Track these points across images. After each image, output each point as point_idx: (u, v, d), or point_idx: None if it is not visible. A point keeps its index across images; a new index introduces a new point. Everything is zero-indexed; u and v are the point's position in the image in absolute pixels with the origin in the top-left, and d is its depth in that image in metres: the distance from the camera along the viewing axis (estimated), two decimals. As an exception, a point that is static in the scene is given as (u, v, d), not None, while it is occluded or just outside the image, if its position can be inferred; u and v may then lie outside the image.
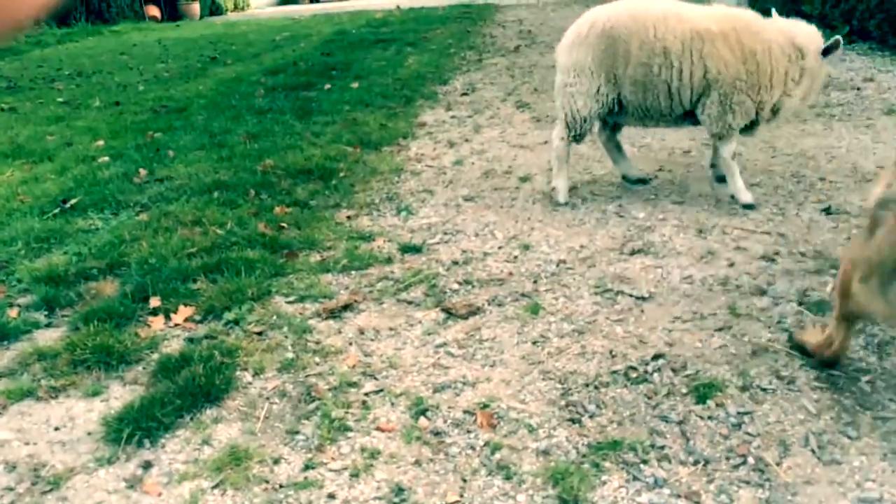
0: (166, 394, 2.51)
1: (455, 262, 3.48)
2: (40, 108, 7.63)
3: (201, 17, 18.81)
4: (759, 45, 3.71)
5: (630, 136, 4.83)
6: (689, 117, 3.95)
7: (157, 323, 3.04)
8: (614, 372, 2.50)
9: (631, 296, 3.01)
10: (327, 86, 7.89)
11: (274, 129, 6.13)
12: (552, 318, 2.90)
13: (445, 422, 2.33)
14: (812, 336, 2.45)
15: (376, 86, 7.75)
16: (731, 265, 3.20)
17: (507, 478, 2.06)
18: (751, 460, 2.04)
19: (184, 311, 3.09)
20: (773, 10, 3.99)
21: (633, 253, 3.42)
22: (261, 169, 4.93)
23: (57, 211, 4.39)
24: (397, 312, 3.05)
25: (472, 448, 2.20)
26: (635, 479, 2.01)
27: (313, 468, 2.17)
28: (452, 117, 6.44)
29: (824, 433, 2.12)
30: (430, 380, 2.56)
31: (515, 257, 3.50)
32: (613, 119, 4.19)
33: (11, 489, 2.17)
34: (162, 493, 2.13)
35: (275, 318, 3.04)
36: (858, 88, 6.05)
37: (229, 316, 3.05)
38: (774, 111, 3.89)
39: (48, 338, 2.98)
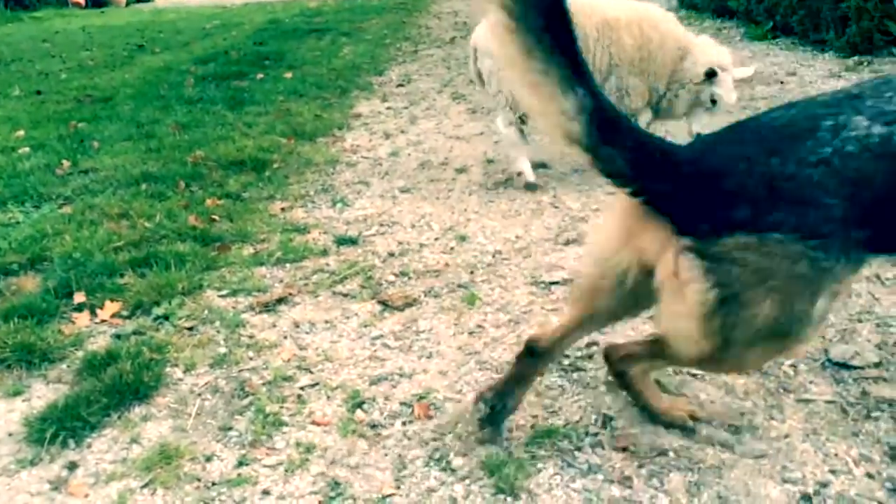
0: (92, 392, 2.42)
1: (391, 254, 3.46)
2: (-46, 97, 7.28)
3: (127, 3, 18.22)
4: (656, 34, 4.08)
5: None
6: None
7: (82, 319, 2.93)
8: (549, 361, 2.52)
9: (566, 286, 3.05)
10: (260, 75, 7.75)
11: (205, 119, 5.98)
12: (488, 309, 2.92)
13: (382, 414, 2.31)
14: None
15: (310, 76, 7.65)
16: (662, 254, 3.26)
17: (444, 469, 2.06)
18: (679, 443, 2.09)
19: (110, 307, 2.99)
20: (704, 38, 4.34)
21: (567, 243, 3.46)
22: (191, 160, 4.81)
23: (-27, 204, 4.20)
24: (333, 305, 3.02)
25: (409, 440, 2.19)
26: (570, 465, 2.04)
27: (247, 464, 2.13)
28: (388, 108, 6.41)
29: (751, 415, 2.19)
30: (367, 372, 2.54)
31: (452, 248, 3.50)
32: None
33: (-75, 496, 2.07)
34: (88, 494, 2.05)
35: (206, 312, 2.97)
36: (782, 82, 6.26)
37: (158, 311, 2.96)
38: (668, 107, 4.26)
39: (-36, 337, 2.84)
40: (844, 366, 2.37)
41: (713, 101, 4.12)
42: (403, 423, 2.26)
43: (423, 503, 1.95)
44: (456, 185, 4.39)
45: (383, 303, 3.00)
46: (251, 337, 2.79)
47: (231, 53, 9.04)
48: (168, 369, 2.59)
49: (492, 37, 1.72)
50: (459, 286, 3.11)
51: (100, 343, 2.79)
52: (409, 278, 3.22)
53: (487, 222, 3.78)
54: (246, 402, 2.41)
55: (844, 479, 1.91)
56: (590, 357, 2.53)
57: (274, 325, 2.87)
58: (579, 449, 2.10)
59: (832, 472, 1.94)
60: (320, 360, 2.63)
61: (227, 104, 6.48)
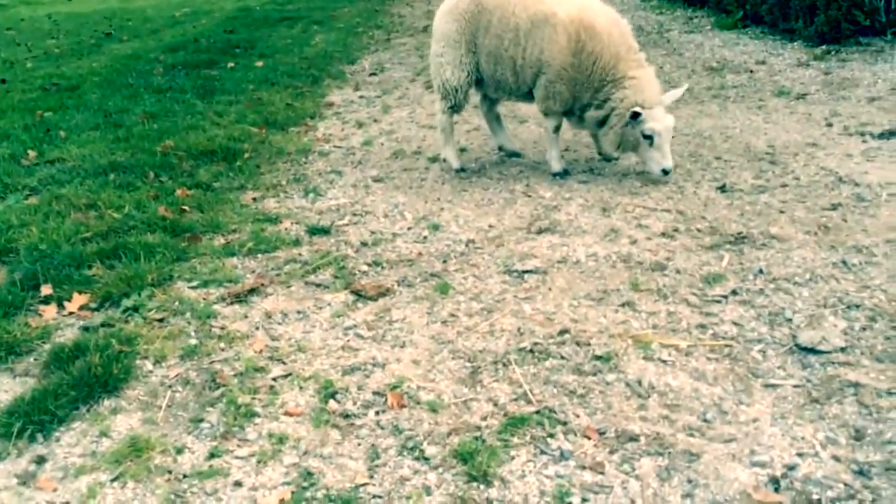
0: (60, 385, 2.39)
1: (364, 244, 3.45)
2: (-85, 86, 7.11)
3: (95, -10, 17.85)
4: (594, 45, 3.82)
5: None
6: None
7: (50, 312, 2.89)
8: (522, 349, 2.53)
9: (538, 274, 3.06)
10: (230, 64, 7.66)
11: (174, 108, 5.90)
12: (461, 298, 2.92)
13: (355, 404, 2.31)
14: None
15: (282, 64, 7.57)
16: (634, 242, 3.29)
17: (417, 458, 2.06)
18: (651, 430, 2.11)
19: (78, 299, 2.95)
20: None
21: (540, 232, 3.47)
22: (160, 150, 4.75)
23: (-65, 195, 4.11)
24: (305, 295, 3.00)
25: (382, 429, 2.19)
26: (542, 452, 2.05)
27: (218, 456, 2.11)
28: (361, 97, 6.37)
29: (720, 401, 2.21)
30: (340, 362, 2.53)
31: (425, 238, 3.49)
32: (483, 90, 4.35)
33: None
34: (57, 488, 2.03)
35: (177, 304, 2.94)
36: (751, 71, 6.31)
37: (128, 303, 2.92)
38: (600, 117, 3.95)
39: (-73, 331, 2.79)
40: (812, 350, 2.41)
41: (649, 137, 3.81)
42: (376, 413, 2.26)
43: (396, 492, 1.95)
44: (429, 174, 4.38)
45: (356, 292, 2.99)
46: (222, 328, 2.76)
47: (201, 41, 8.93)
48: (138, 361, 2.56)
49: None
50: (432, 275, 3.11)
51: (68, 335, 2.75)
52: (382, 268, 3.21)
53: (460, 211, 3.78)
54: (217, 393, 2.39)
55: (811, 462, 1.95)
56: (563, 345, 2.54)
57: (246, 316, 2.85)
58: (552, 436, 2.11)
59: (799, 454, 1.97)
60: (293, 350, 2.61)
61: (197, 93, 6.40)
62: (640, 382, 2.31)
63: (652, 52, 7.43)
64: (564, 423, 2.16)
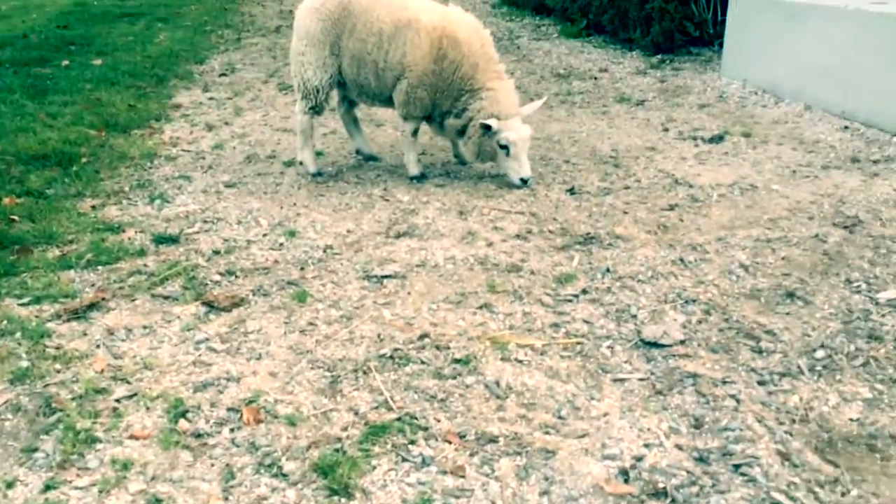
0: None
1: (216, 252, 3.31)
2: None
3: None
4: (455, 53, 3.87)
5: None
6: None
7: None
8: (382, 355, 2.51)
9: (397, 278, 3.05)
10: (65, 62, 7.15)
11: (0, 109, 5.43)
12: (320, 305, 2.86)
13: (208, 422, 2.20)
14: None
15: (123, 63, 7.15)
16: (490, 245, 3.35)
17: (275, 475, 1.99)
18: (509, 430, 2.15)
19: None
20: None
21: (398, 236, 3.46)
22: (-16, 154, 4.35)
23: None
24: (152, 309, 2.84)
25: (238, 447, 2.10)
26: (404, 460, 2.04)
27: (55, 488, 1.95)
28: (210, 99, 6.13)
29: (574, 397, 2.29)
30: (191, 379, 2.41)
31: (281, 244, 3.40)
32: (344, 92, 4.32)
33: None
34: None
35: (5, 322, 2.69)
36: (595, 78, 6.63)
37: (-54, 324, 2.65)
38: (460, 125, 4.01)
39: None
40: (654, 344, 2.54)
41: (505, 147, 3.89)
42: (231, 430, 2.17)
43: (253, 512, 1.88)
44: (284, 178, 4.27)
45: (208, 304, 2.86)
46: (58, 348, 2.56)
47: (31, 37, 8.27)
48: (-41, 389, 2.32)
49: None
50: (289, 283, 3.03)
51: None
52: (236, 277, 3.09)
53: (318, 217, 3.71)
54: (53, 419, 2.21)
55: (657, 452, 2.05)
56: (423, 349, 2.55)
57: (85, 334, 2.65)
58: (413, 442, 2.11)
59: (646, 445, 2.08)
60: (138, 368, 2.46)
61: (27, 93, 5.92)
62: (498, 383, 2.36)
63: (503, 58, 7.63)
64: (425, 429, 2.16)
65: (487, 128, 3.82)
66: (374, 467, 2.01)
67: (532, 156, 4.54)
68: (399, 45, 3.89)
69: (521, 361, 2.48)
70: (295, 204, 3.88)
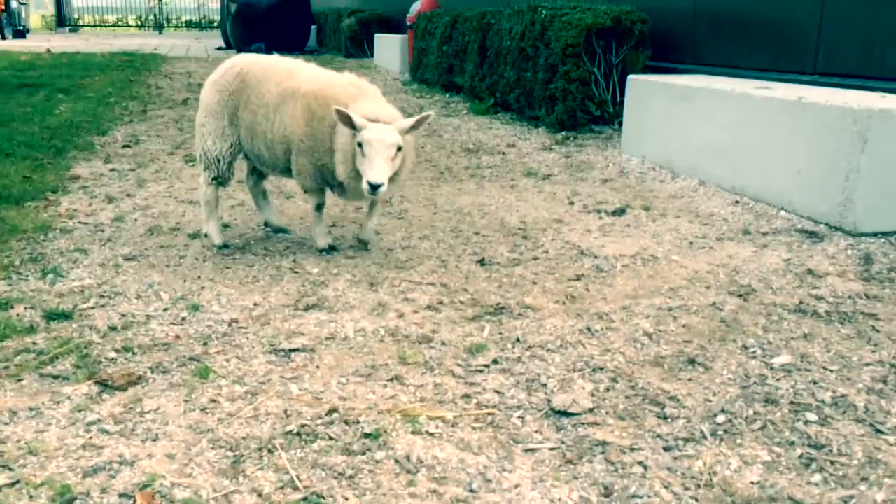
0: None
1: (113, 328, 3.16)
2: None
3: None
4: (324, 111, 3.77)
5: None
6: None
7: None
8: (288, 432, 2.43)
9: (306, 352, 2.98)
10: (-44, 131, 6.84)
11: None
12: (223, 382, 2.75)
13: (98, 510, 2.05)
14: None
15: (19, 134, 6.90)
16: (401, 316, 3.33)
17: (171, 564, 1.86)
18: (421, 506, 2.09)
19: None
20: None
21: (307, 308, 3.40)
22: None
23: None
24: (40, 389, 2.66)
25: (130, 536, 1.96)
26: (310, 542, 1.95)
27: (-81, 592, 1.76)
28: (112, 170, 5.96)
29: (485, 469, 2.26)
30: (80, 463, 2.25)
31: (183, 319, 3.28)
32: (249, 163, 4.32)
33: None
34: None
35: None
36: (503, 153, 6.83)
37: None
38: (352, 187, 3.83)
39: None
40: (564, 413, 2.56)
41: (360, 146, 3.54)
42: (123, 518, 2.02)
43: None
44: (189, 251, 4.15)
45: (102, 383, 2.70)
46: (-69, 434, 2.36)
47: (-81, 105, 7.91)
48: None
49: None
50: (191, 359, 2.91)
51: None
52: (134, 354, 2.95)
53: (223, 290, 3.61)
54: (-79, 514, 2.01)
55: (569, 522, 2.03)
56: (331, 425, 2.47)
57: (-37, 418, 2.45)
58: (320, 523, 2.01)
59: (558, 516, 2.06)
60: (22, 453, 2.28)
61: (-88, 162, 5.61)
62: (408, 458, 2.30)
63: (413, 134, 7.77)
64: (333, 508, 2.08)
65: (352, 124, 3.56)
66: (279, 552, 1.91)
67: (443, 227, 4.60)
68: (283, 116, 3.90)
69: (432, 434, 2.44)
70: (199, 277, 3.77)
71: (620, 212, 4.91)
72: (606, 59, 7.27)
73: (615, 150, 6.75)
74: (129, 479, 2.18)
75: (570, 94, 7.28)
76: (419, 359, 2.94)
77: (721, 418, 2.51)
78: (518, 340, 3.09)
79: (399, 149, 3.61)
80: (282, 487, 2.17)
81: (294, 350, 3.00)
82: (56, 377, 2.74)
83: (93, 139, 7.07)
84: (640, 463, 2.28)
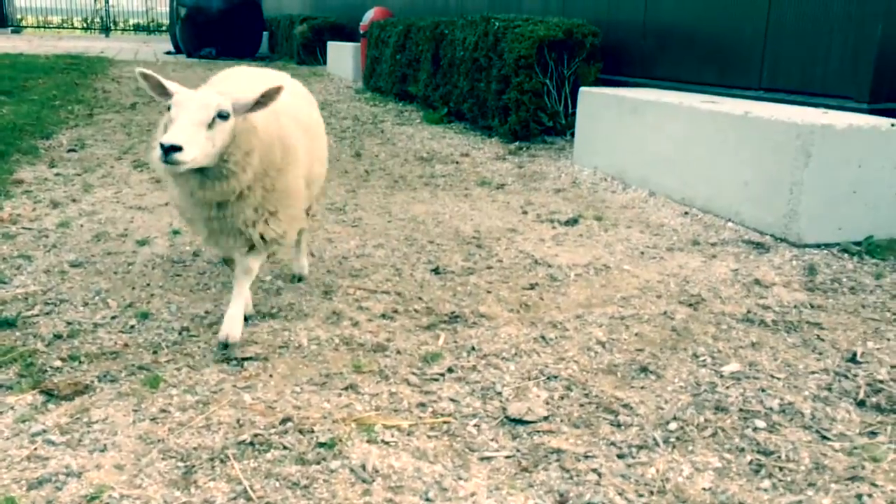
0: None
1: (58, 336, 3.07)
2: None
3: None
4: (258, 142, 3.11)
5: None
6: None
7: None
8: (241, 442, 2.39)
9: (259, 361, 2.94)
10: None
11: None
12: (174, 391, 2.70)
13: (42, 524, 1.99)
14: None
15: (-41, 135, 6.67)
16: (356, 324, 3.31)
17: (120, 578, 1.81)
18: (377, 515, 2.08)
19: None
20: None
21: (261, 317, 3.35)
22: None
23: None
24: (-20, 399, 2.57)
25: (77, 550, 1.90)
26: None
27: None
28: (57, 175, 5.81)
29: (441, 478, 2.26)
30: (24, 475, 2.18)
31: (132, 327, 3.20)
32: None
33: None
34: None
35: None
36: (457, 162, 6.86)
37: None
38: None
39: None
40: (519, 421, 2.57)
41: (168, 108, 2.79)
42: (70, 532, 1.96)
43: None
44: (137, 258, 4.06)
45: (47, 392, 2.62)
46: None
47: None
48: None
49: None
50: (140, 368, 2.84)
51: None
52: (80, 363, 2.87)
53: (174, 297, 3.54)
54: None
55: (525, 529, 2.04)
56: (285, 434, 2.44)
57: None
58: (274, 534, 1.98)
59: (514, 523, 2.06)
60: (-39, 467, 2.20)
61: None
62: (364, 467, 2.29)
63: (367, 141, 7.77)
64: (288, 519, 2.05)
65: (164, 90, 2.84)
66: (232, 564, 1.87)
67: (397, 236, 4.59)
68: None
69: (387, 443, 2.43)
70: (149, 284, 3.69)
71: (573, 222, 4.98)
72: (559, 71, 7.37)
73: (568, 160, 6.84)
74: (76, 492, 2.12)
75: (523, 105, 7.35)
76: (374, 367, 2.93)
77: (673, 426, 2.56)
78: (473, 349, 3.10)
79: (224, 117, 2.70)
80: (235, 498, 2.13)
81: (247, 359, 2.96)
82: (-2, 387, 2.65)
83: (36, 143, 6.87)
84: (594, 470, 2.31)
